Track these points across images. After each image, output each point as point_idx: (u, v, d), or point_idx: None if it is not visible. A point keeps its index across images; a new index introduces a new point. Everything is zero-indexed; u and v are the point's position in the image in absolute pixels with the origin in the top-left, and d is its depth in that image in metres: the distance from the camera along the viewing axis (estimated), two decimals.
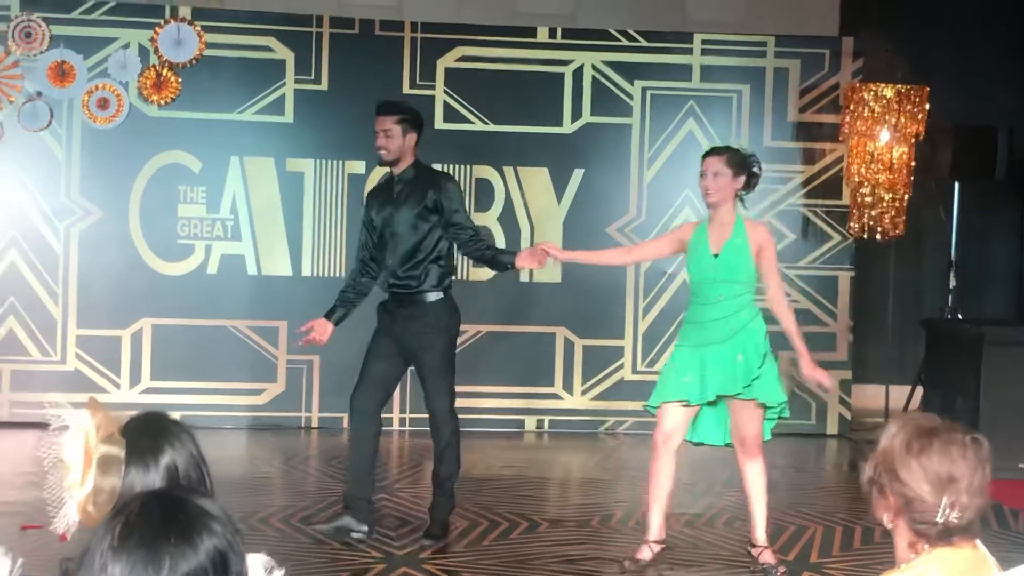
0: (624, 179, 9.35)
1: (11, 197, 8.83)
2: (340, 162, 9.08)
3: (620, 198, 9.35)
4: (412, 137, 6.21)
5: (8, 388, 8.83)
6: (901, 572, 2.54)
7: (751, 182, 5.88)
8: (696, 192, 9.35)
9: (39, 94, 8.81)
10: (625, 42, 9.36)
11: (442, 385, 6.14)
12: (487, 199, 9.25)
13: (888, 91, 9.08)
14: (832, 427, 9.44)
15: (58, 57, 8.81)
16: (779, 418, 5.88)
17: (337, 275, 8.85)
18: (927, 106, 9.15)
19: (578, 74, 9.32)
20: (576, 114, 9.33)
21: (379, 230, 6.21)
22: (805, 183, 9.49)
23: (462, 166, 9.21)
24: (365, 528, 6.12)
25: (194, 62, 8.96)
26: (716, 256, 5.77)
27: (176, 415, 2.49)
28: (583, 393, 9.30)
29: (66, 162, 8.90)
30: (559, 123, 9.32)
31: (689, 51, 9.40)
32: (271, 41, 9.08)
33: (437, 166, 9.08)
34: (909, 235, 9.45)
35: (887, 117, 9.06)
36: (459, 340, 9.07)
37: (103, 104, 8.89)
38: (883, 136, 9.12)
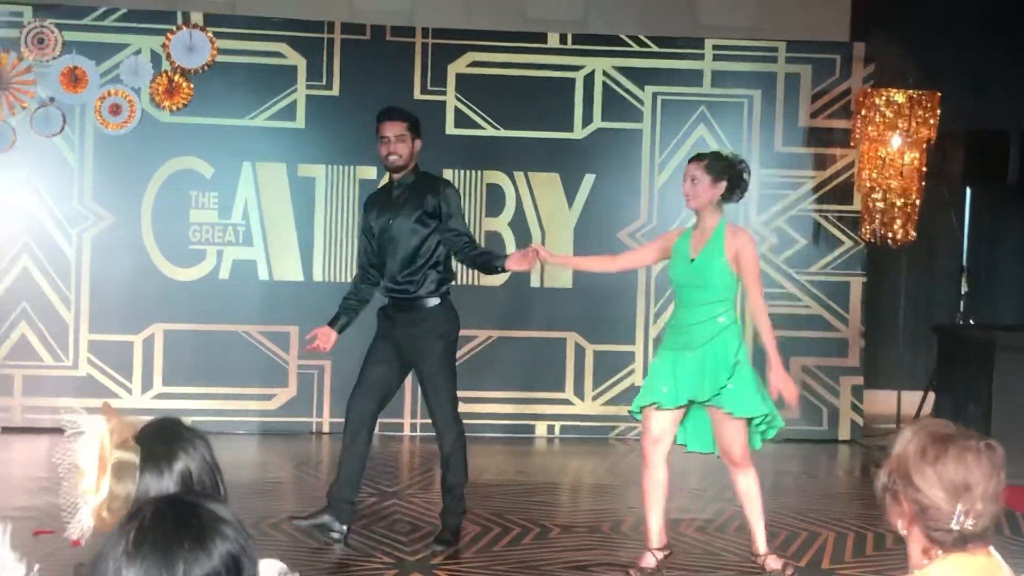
0: (635, 184, 9.35)
1: (24, 203, 8.86)
2: (351, 167, 9.09)
3: (631, 203, 9.35)
4: (418, 143, 6.26)
5: (20, 393, 8.85)
6: None
7: (735, 189, 5.82)
8: None
9: (52, 100, 8.84)
10: (636, 47, 9.37)
11: (442, 391, 6.14)
12: (498, 204, 9.26)
13: (899, 96, 9.07)
14: (844, 433, 9.43)
15: (70, 63, 8.84)
16: (776, 428, 5.82)
17: (348, 280, 8.82)
18: (938, 111, 9.14)
19: (589, 79, 9.33)
20: (587, 119, 9.33)
21: (378, 236, 6.24)
22: (816, 188, 9.48)
23: (473, 171, 9.22)
24: (344, 529, 6.12)
25: (206, 68, 8.98)
26: (692, 261, 5.77)
27: (188, 420, 2.50)
28: (594, 398, 9.30)
29: (78, 168, 8.93)
30: (570, 128, 9.33)
31: (700, 56, 9.40)
32: (283, 47, 9.10)
33: (448, 171, 9.16)
34: (921, 240, 9.44)
35: (898, 122, 9.05)
36: (470, 345, 9.19)
37: (115, 110, 8.91)
38: (894, 141, 9.11)
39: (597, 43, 9.34)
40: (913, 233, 9.22)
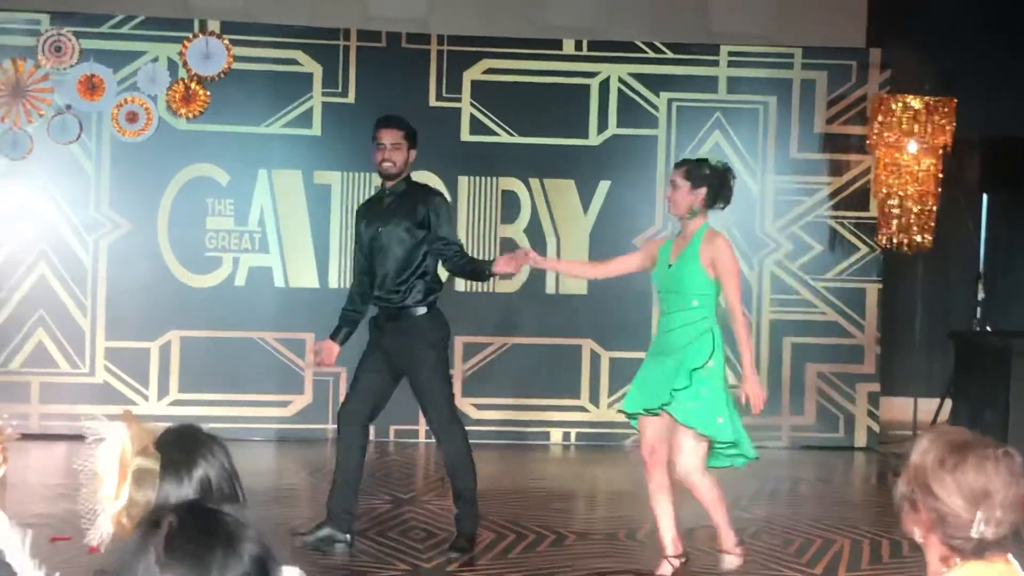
0: (650, 191, 9.35)
1: (41, 210, 8.89)
2: (367, 174, 9.10)
3: (646, 210, 9.35)
4: (412, 153, 6.31)
5: (37, 400, 8.88)
6: None
7: (717, 197, 5.81)
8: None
9: (69, 107, 8.88)
10: (651, 54, 9.37)
11: (439, 399, 6.17)
12: (513, 211, 9.27)
13: (915, 102, 9.05)
14: (860, 440, 9.40)
15: (88, 71, 8.87)
16: (746, 459, 5.69)
17: None
18: (954, 117, 9.12)
19: (604, 86, 9.33)
20: (602, 126, 9.34)
21: (368, 244, 6.28)
22: (832, 195, 9.47)
23: (488, 178, 9.23)
24: (348, 537, 6.18)
25: (222, 75, 9.01)
26: (670, 267, 5.78)
27: (205, 427, 2.50)
28: (609, 405, 9.28)
29: (95, 175, 8.96)
30: (585, 135, 9.33)
31: (715, 63, 9.39)
32: (298, 54, 9.12)
33: (463, 178, 9.18)
34: (937, 247, 9.41)
35: (915, 128, 9.03)
36: (486, 352, 9.20)
37: (132, 117, 8.94)
38: (911, 147, 9.09)
39: (612, 50, 9.35)
40: (929, 239, 9.20)
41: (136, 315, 8.94)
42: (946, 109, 9.11)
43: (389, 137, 6.23)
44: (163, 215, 9.01)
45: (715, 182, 5.77)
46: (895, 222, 9.15)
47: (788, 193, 9.45)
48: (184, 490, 2.24)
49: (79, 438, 2.29)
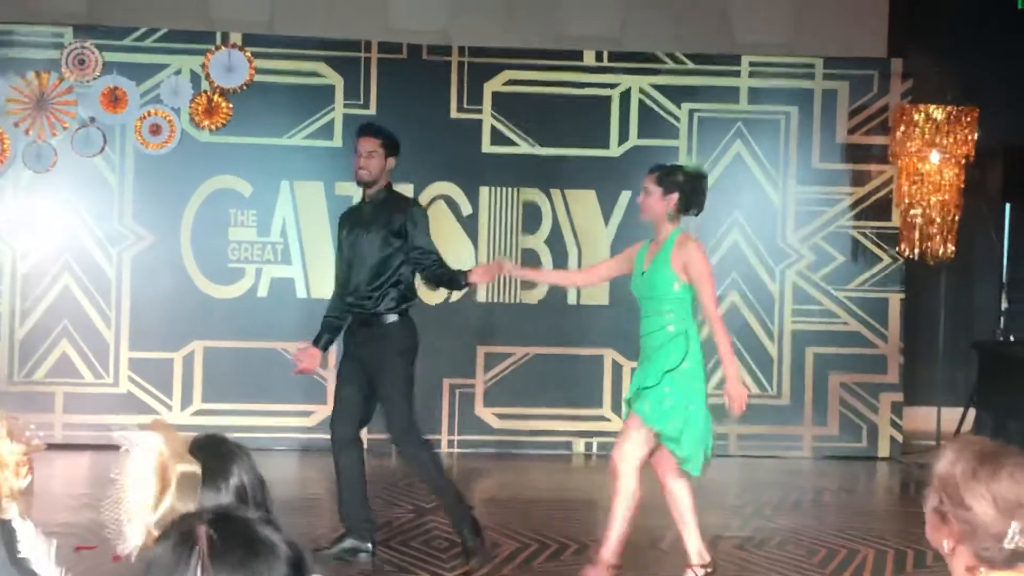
0: None
1: (65, 222, 8.94)
2: None
3: None
4: (391, 162, 6.38)
5: (62, 410, 8.92)
6: None
7: (689, 203, 5.80)
8: (743, 214, 9.38)
9: (92, 120, 8.93)
10: (672, 65, 9.37)
11: (397, 406, 6.21)
12: (534, 222, 9.27)
13: (938, 112, 9.03)
14: (884, 450, 9.37)
15: (111, 83, 8.92)
16: (691, 469, 5.69)
17: None
18: (977, 127, 9.09)
19: (625, 97, 9.34)
20: (623, 137, 9.34)
21: (347, 251, 6.35)
22: (854, 205, 9.45)
23: (509, 189, 9.25)
24: (369, 546, 6.22)
25: (244, 88, 9.05)
26: (644, 273, 5.80)
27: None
28: None
29: (119, 187, 9.01)
30: (606, 146, 9.34)
31: (737, 73, 9.39)
32: (320, 66, 9.16)
33: (485, 189, 9.19)
34: (960, 257, 9.38)
35: (937, 138, 9.01)
36: (508, 362, 9.20)
37: (155, 130, 8.99)
38: (933, 157, 9.07)
39: (633, 60, 9.35)
40: (952, 249, 9.17)
41: (159, 326, 8.98)
42: (968, 119, 9.08)
43: (365, 145, 6.31)
44: (186, 227, 9.05)
45: (687, 188, 5.79)
46: (917, 232, 9.13)
47: (810, 203, 9.43)
48: (222, 498, 2.24)
49: (103, 448, 2.30)
